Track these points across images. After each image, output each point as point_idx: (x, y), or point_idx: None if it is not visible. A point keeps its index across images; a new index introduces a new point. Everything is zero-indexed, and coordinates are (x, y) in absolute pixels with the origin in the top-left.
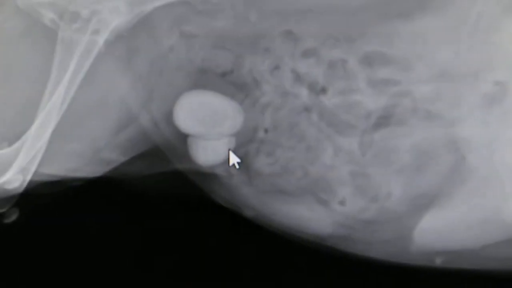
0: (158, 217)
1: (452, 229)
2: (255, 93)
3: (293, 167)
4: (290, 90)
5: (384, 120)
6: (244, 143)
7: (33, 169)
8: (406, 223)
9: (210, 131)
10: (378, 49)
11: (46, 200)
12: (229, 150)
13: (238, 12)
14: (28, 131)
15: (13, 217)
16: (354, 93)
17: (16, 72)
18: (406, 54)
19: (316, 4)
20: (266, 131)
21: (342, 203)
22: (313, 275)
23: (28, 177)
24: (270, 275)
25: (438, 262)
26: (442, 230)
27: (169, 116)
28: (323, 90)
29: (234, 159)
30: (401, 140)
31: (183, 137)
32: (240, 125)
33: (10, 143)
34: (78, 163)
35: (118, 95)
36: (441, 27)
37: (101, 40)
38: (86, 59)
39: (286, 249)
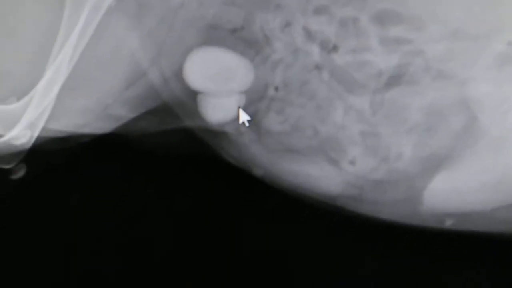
0: (166, 175)
1: (463, 190)
2: (266, 50)
3: (303, 125)
4: (301, 47)
5: (395, 79)
6: (254, 100)
7: (41, 124)
8: (417, 184)
9: (220, 88)
10: (391, 7)
11: (54, 156)
12: (239, 107)
13: None
14: (37, 86)
15: (20, 173)
16: (365, 52)
17: (25, 27)
18: (418, 12)
19: None
20: (276, 88)
21: (352, 162)
22: (323, 235)
23: (36, 133)
24: (278, 233)
25: (448, 223)
26: (453, 191)
27: (178, 73)
28: (335, 48)
29: (244, 117)
30: (412, 99)
31: (193, 94)
32: (250, 82)
33: (19, 98)
34: (87, 118)
35: (128, 50)
36: None
37: None
38: (96, 14)
39: (295, 208)
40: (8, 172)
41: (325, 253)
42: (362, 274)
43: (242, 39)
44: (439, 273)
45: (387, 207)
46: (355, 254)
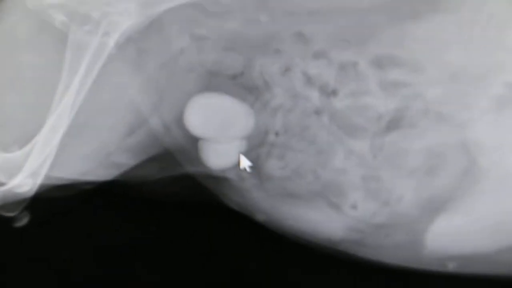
0: (169, 221)
1: (465, 233)
2: (266, 96)
3: (304, 170)
4: (301, 92)
5: (395, 122)
6: (255, 146)
7: (43, 172)
8: (418, 227)
9: (220, 134)
10: (389, 51)
11: (57, 204)
12: (240, 153)
13: (248, 14)
14: (38, 135)
15: (24, 221)
16: (365, 96)
17: (26, 75)
18: (416, 56)
19: (326, 5)
20: (277, 134)
21: (353, 207)
22: (324, 279)
23: (39, 181)
24: (281, 280)
25: (451, 267)
26: (454, 234)
27: (179, 119)
28: (334, 93)
29: (245, 163)
30: (412, 142)
31: (194, 141)
32: (251, 128)
33: (20, 146)
34: (89, 166)
35: (128, 97)
36: (451, 28)
37: (111, 42)
38: (97, 61)
39: (297, 254)
40: (11, 220)
41: None
42: None
43: (242, 85)
44: None
45: (389, 251)
46: None
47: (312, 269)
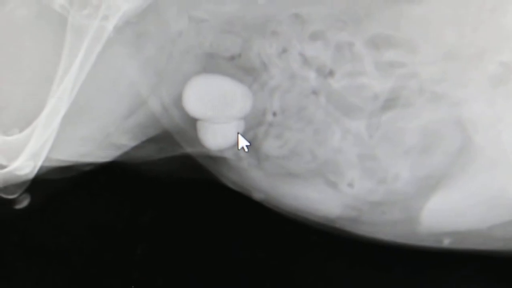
0: (168, 201)
1: (460, 209)
2: (264, 77)
3: (301, 149)
4: (298, 73)
5: (391, 102)
6: (253, 126)
7: (44, 155)
8: (414, 204)
9: (219, 115)
10: (384, 31)
11: (57, 185)
12: (238, 133)
13: None
14: (39, 117)
15: (24, 203)
16: (361, 76)
17: (26, 59)
18: (412, 36)
19: None
20: (274, 114)
21: (350, 185)
22: (323, 258)
23: (39, 163)
24: (279, 257)
25: (446, 243)
26: (450, 210)
27: (178, 100)
28: (331, 73)
29: (243, 142)
30: (408, 121)
31: (192, 121)
32: (248, 108)
33: (21, 129)
34: (89, 148)
35: (128, 80)
36: (446, 8)
37: (110, 26)
38: (96, 45)
39: (294, 231)
40: (12, 202)
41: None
42: None
43: (240, 66)
44: None
45: (386, 228)
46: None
47: (308, 247)
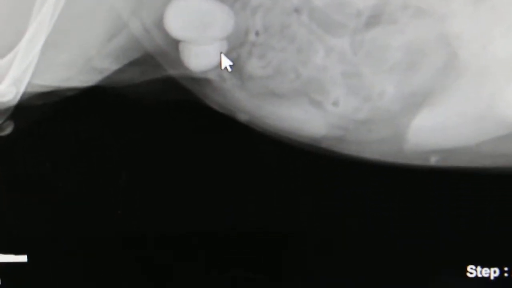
0: (152, 124)
1: (446, 126)
2: None
3: (285, 68)
4: None
5: (374, 18)
6: (235, 46)
7: (26, 80)
8: (400, 122)
9: (201, 36)
10: None
11: (40, 111)
12: (221, 53)
13: None
14: (20, 43)
15: (8, 129)
16: None
17: None
18: None
19: None
20: (257, 33)
21: (335, 103)
22: (307, 178)
23: (22, 89)
24: (263, 179)
25: (433, 160)
26: (436, 127)
27: (159, 22)
28: None
29: (226, 63)
30: (392, 38)
31: (175, 43)
32: (231, 28)
33: (2, 55)
34: (71, 72)
35: (108, 2)
36: None
37: None
38: None
39: (279, 153)
40: None
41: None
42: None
43: None
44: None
45: (372, 147)
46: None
47: (292, 168)
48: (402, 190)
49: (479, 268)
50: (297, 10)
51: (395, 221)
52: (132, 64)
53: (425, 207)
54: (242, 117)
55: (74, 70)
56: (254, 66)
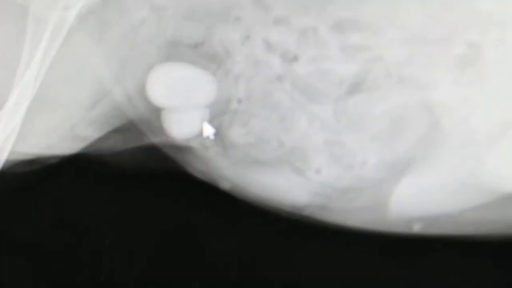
0: (134, 192)
1: (429, 194)
2: (227, 64)
3: (267, 137)
4: (262, 59)
5: (357, 86)
6: (218, 114)
7: (8, 148)
8: (383, 190)
9: (183, 104)
10: (349, 15)
11: (22, 179)
12: (203, 121)
13: None
14: (2, 110)
15: None
16: (326, 60)
17: None
18: (376, 18)
19: None
20: (239, 101)
21: (317, 171)
22: (292, 247)
23: (3, 157)
24: (246, 248)
25: (416, 228)
26: (419, 195)
27: (142, 90)
28: (295, 58)
29: (208, 131)
30: (375, 106)
31: (157, 111)
32: (213, 96)
33: None
34: (53, 140)
35: (91, 69)
36: None
37: (72, 15)
38: (58, 34)
39: (263, 221)
40: None
41: (295, 261)
42: None
43: (203, 54)
44: None
45: (355, 215)
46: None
47: (277, 235)
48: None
49: None
50: (279, 78)
51: None
52: (115, 131)
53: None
54: (225, 185)
55: (57, 138)
56: (236, 134)
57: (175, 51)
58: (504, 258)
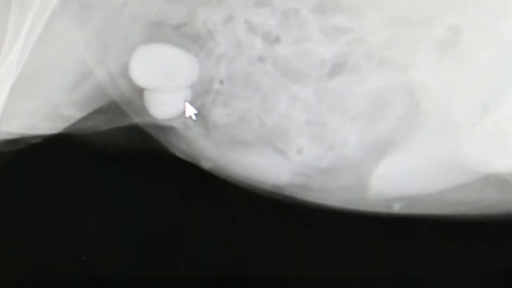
0: (116, 172)
1: (409, 174)
2: (210, 45)
3: (249, 117)
4: (244, 40)
5: (338, 67)
6: (200, 94)
7: None
8: (364, 170)
9: (165, 84)
10: None
11: (5, 158)
12: (185, 102)
13: None
14: None
15: None
16: (307, 42)
17: None
18: (358, 0)
19: None
20: (221, 82)
21: (299, 151)
22: (272, 223)
23: None
24: (228, 226)
25: (396, 208)
26: (399, 175)
27: (124, 71)
28: (277, 40)
29: (190, 111)
30: (356, 87)
31: (139, 91)
32: (195, 77)
33: None
34: (36, 120)
35: (74, 51)
36: None
37: None
38: (41, 17)
39: (243, 200)
40: None
41: (279, 243)
42: None
43: (185, 35)
44: None
45: (336, 194)
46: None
47: (257, 214)
48: None
49: None
50: (261, 59)
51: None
52: (97, 112)
53: None
54: (206, 164)
55: (40, 118)
56: (218, 114)
57: (157, 32)
58: (483, 239)
